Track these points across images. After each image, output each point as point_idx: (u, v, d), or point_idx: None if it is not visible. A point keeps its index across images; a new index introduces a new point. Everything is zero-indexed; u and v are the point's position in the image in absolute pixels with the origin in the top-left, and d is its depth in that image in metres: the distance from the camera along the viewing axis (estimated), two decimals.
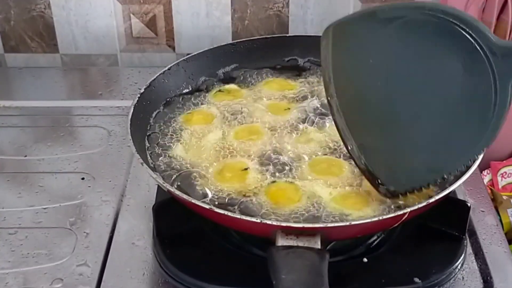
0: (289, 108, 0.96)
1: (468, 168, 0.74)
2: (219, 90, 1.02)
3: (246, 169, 0.84)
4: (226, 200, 0.80)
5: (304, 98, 0.99)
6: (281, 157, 0.86)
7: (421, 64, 0.71)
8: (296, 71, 1.06)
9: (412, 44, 0.71)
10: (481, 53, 0.68)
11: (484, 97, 0.69)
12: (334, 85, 0.75)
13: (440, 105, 0.71)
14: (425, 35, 0.70)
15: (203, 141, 0.90)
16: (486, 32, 0.68)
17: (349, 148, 0.76)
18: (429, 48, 0.70)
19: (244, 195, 0.80)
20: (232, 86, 1.03)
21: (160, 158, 0.87)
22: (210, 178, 0.83)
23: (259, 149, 0.88)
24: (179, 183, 0.83)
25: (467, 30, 0.68)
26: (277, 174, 0.83)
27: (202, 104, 0.99)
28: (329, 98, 0.76)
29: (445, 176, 0.74)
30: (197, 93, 1.01)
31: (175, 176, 0.84)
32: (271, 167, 0.84)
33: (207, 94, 1.01)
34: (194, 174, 0.84)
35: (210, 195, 0.81)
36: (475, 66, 0.69)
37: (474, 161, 0.74)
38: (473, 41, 0.68)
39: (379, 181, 0.75)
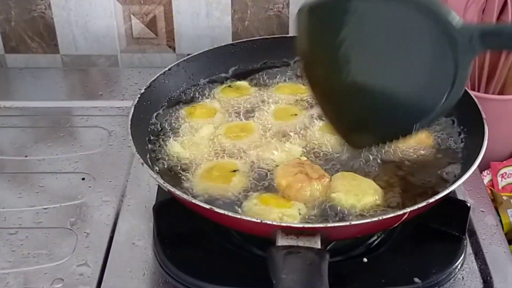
0: (296, 114, 0.95)
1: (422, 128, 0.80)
2: (229, 86, 1.02)
3: (235, 171, 0.83)
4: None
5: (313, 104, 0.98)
6: (262, 164, 0.86)
7: (388, 41, 0.76)
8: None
9: (381, 23, 0.76)
10: (444, 35, 0.73)
11: (446, 71, 0.74)
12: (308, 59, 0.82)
13: (404, 74, 0.77)
14: (394, 18, 0.75)
15: (198, 137, 0.90)
16: (449, 18, 0.72)
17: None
18: (396, 30, 0.75)
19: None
20: (242, 83, 1.03)
21: (160, 158, 0.87)
22: (197, 178, 0.84)
23: (247, 149, 0.88)
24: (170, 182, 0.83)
25: (432, 16, 0.72)
26: (257, 183, 0.83)
27: (207, 98, 1.00)
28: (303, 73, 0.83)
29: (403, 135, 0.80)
30: (202, 88, 1.02)
31: (168, 174, 0.85)
32: (256, 174, 0.84)
33: (214, 89, 1.02)
34: (185, 172, 0.85)
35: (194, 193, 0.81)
36: (438, 45, 0.73)
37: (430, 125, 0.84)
38: (435, 25, 0.73)
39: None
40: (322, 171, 0.83)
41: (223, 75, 1.06)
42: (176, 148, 0.88)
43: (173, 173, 0.85)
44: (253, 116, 0.95)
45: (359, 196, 0.79)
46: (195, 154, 0.88)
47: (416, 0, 0.73)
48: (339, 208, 0.78)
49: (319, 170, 0.83)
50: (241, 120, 0.95)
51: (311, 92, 0.83)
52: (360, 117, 0.81)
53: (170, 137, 0.91)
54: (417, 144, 0.88)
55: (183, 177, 0.84)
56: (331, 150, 0.88)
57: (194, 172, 0.85)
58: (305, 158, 0.86)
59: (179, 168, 0.86)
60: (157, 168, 0.85)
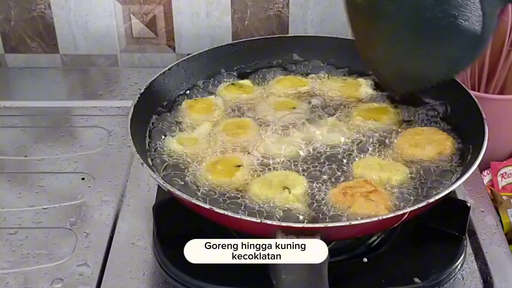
0: (294, 107, 0.96)
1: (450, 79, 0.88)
2: (232, 84, 1.02)
3: (239, 166, 0.84)
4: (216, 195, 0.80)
5: (312, 95, 1.00)
6: (255, 157, 0.86)
7: None
8: (302, 70, 1.07)
9: None
10: None
11: (476, 20, 0.78)
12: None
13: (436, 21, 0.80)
14: None
15: (197, 133, 0.91)
16: None
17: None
18: None
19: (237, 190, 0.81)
20: (245, 81, 1.04)
21: (160, 157, 0.87)
22: (202, 171, 0.84)
23: (245, 145, 0.88)
24: (173, 179, 0.83)
25: None
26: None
27: (210, 95, 1.01)
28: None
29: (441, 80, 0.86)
30: (202, 88, 1.03)
31: (170, 172, 0.85)
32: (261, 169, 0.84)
33: (217, 86, 1.02)
34: (188, 170, 0.85)
35: (201, 190, 0.81)
36: None
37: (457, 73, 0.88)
38: None
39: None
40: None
41: (223, 75, 1.06)
42: (175, 146, 0.88)
43: (173, 172, 0.85)
44: (252, 112, 0.96)
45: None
46: (195, 151, 0.88)
47: None
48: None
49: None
50: (238, 114, 0.96)
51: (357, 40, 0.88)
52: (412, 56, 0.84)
53: (169, 136, 0.91)
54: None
55: (182, 175, 0.84)
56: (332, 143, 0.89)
57: (194, 169, 0.84)
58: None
59: (179, 166, 0.85)
60: (157, 168, 0.85)
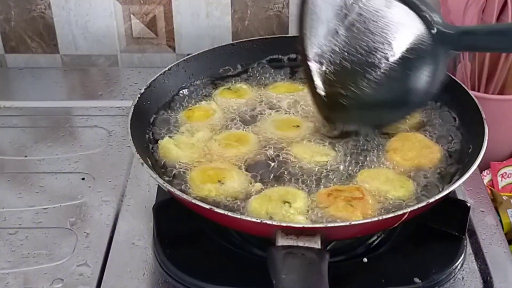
0: (298, 126, 0.92)
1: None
2: (228, 88, 1.01)
3: (219, 181, 0.81)
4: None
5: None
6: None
7: (382, 22, 0.83)
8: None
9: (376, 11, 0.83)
10: (426, 28, 0.81)
11: (427, 62, 0.82)
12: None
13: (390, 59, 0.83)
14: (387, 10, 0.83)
15: (195, 139, 0.90)
16: (432, 15, 0.80)
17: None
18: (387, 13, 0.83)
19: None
20: (242, 85, 1.02)
21: (160, 157, 0.87)
22: (192, 174, 0.83)
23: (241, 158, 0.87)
24: (172, 179, 0.83)
25: (421, 7, 0.81)
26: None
27: (205, 100, 0.99)
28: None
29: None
30: (202, 89, 1.02)
31: (169, 174, 0.85)
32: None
33: (213, 91, 1.01)
34: (182, 174, 0.85)
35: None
36: (421, 36, 0.81)
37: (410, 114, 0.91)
38: (421, 18, 0.81)
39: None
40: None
41: (223, 75, 1.06)
42: (173, 148, 0.88)
43: (172, 173, 0.85)
44: (253, 123, 0.94)
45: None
46: (191, 155, 0.87)
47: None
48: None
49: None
50: (240, 125, 0.93)
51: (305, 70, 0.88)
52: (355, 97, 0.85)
53: (168, 137, 0.91)
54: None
55: (181, 176, 0.84)
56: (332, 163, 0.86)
57: (190, 171, 0.84)
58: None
59: (177, 167, 0.86)
60: (156, 168, 0.85)
